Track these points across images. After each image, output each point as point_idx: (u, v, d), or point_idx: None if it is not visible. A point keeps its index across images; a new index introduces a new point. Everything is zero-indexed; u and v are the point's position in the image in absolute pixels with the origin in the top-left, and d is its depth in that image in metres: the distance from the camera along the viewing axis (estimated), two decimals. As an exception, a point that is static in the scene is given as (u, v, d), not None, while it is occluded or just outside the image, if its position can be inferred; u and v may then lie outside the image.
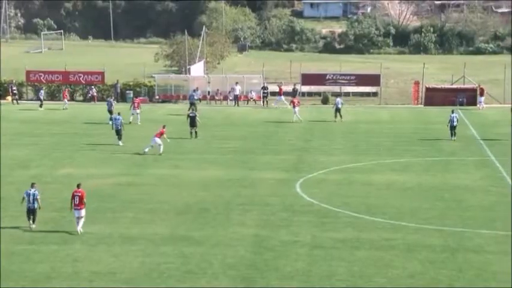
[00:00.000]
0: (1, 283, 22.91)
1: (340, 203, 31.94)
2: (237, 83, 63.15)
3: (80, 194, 27.81)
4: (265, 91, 62.72)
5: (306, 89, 66.63)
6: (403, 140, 47.20)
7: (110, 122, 47.50)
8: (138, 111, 52.41)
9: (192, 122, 46.61)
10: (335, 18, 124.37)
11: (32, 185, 28.46)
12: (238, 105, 61.89)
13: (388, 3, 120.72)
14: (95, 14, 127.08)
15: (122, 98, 63.40)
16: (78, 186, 28.23)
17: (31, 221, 28.12)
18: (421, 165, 39.72)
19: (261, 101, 63.00)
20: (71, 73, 65.26)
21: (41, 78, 64.68)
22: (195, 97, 58.33)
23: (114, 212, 30.57)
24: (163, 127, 42.74)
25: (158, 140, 41.77)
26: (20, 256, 25.17)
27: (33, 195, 28.03)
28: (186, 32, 74.48)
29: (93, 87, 63.67)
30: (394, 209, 31.17)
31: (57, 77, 64.93)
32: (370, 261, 24.82)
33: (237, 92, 62.45)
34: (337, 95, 62.28)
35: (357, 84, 66.31)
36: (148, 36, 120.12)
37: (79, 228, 27.68)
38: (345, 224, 29.09)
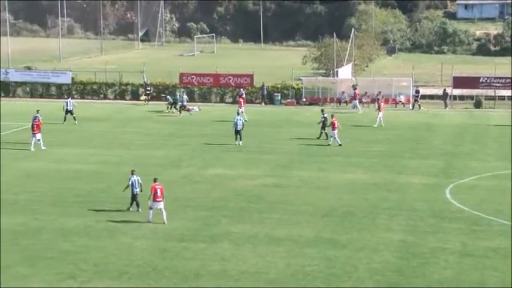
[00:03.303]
0: (154, 279, 23.70)
1: (493, 211, 30.84)
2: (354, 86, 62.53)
3: (160, 187, 29.14)
4: (417, 94, 61.53)
5: (457, 92, 64.80)
6: (561, 146, 44.95)
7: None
8: (241, 110, 52.27)
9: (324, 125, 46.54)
10: (490, 19, 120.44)
11: (132, 172, 30.54)
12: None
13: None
14: (245, 17, 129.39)
15: (269, 100, 64.17)
16: (155, 180, 29.52)
17: (136, 206, 30.15)
18: None
19: (410, 104, 61.95)
20: (221, 75, 66.70)
21: (193, 80, 66.47)
22: (342, 100, 58.52)
23: (261, 212, 30.95)
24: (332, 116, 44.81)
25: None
26: (170, 253, 25.96)
27: (137, 181, 30.19)
28: (334, 35, 74.36)
29: (242, 89, 64.79)
30: (550, 218, 29.76)
31: (208, 80, 66.54)
32: (523, 272, 23.83)
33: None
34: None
35: (513, 87, 63.68)
36: (297, 39, 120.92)
37: (164, 219, 28.96)
38: (498, 232, 28.06)
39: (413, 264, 24.84)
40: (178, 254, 25.79)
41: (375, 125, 51.92)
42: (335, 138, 44.92)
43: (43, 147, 43.24)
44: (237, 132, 45.04)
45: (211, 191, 34.39)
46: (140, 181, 30.48)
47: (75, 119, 52.59)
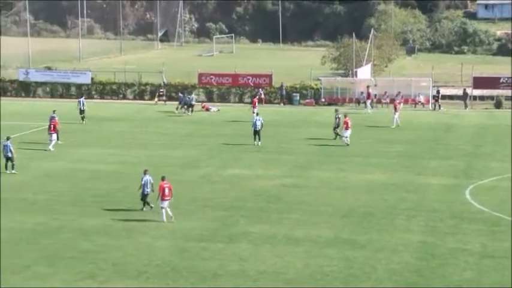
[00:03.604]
0: (172, 279, 23.73)
1: (512, 212, 30.61)
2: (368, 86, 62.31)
3: (168, 186, 29.34)
4: (437, 94, 61.23)
5: (477, 92, 64.40)
6: None
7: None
8: (255, 110, 52.18)
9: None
10: (511, 19, 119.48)
11: (145, 172, 30.70)
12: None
13: None
14: (264, 17, 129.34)
15: (288, 100, 64.11)
16: (163, 178, 29.65)
17: (146, 204, 30.38)
18: None
19: (429, 105, 61.67)
20: (240, 76, 66.70)
21: (212, 80, 66.52)
22: (361, 100, 58.66)
23: (279, 212, 30.91)
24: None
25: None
26: (189, 253, 26.00)
27: (149, 181, 30.40)
28: (353, 35, 74.15)
29: (261, 89, 64.77)
30: None
31: (227, 80, 66.57)
32: (544, 274, 23.62)
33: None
34: None
35: (534, 88, 63.19)
36: (316, 39, 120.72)
37: (171, 217, 29.18)
38: (517, 233, 27.84)
39: (432, 265, 24.71)
40: (197, 254, 25.82)
41: (393, 126, 51.72)
42: (346, 137, 44.69)
43: (51, 148, 43.15)
44: (256, 132, 45.03)
45: (229, 191, 34.40)
46: (152, 181, 30.57)
47: (83, 119, 52.89)
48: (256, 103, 54.66)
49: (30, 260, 25.21)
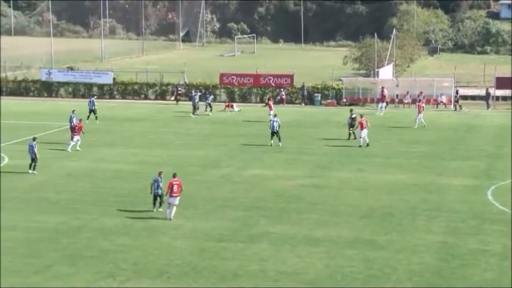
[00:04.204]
0: (193, 279, 23.80)
1: (535, 213, 30.38)
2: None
3: (177, 183, 29.45)
4: (456, 95, 60.93)
5: (500, 92, 63.98)
6: None
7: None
8: (271, 112, 52.06)
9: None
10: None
11: (159, 174, 30.53)
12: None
13: None
14: (286, 17, 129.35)
15: (309, 100, 64.06)
16: (174, 175, 29.84)
17: (158, 205, 30.31)
18: None
19: (452, 105, 61.36)
20: (262, 76, 66.74)
21: (233, 81, 66.63)
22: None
23: (299, 213, 30.91)
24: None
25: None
26: (209, 253, 26.05)
27: (159, 181, 30.17)
28: (375, 35, 73.93)
29: (282, 89, 64.77)
30: None
31: (249, 80, 66.63)
32: None
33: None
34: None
35: (557, 87, 62.65)
36: (338, 39, 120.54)
37: (172, 215, 29.35)
38: (539, 235, 27.62)
39: (453, 265, 24.60)
40: (217, 254, 25.87)
41: (415, 127, 51.49)
42: (364, 138, 44.59)
43: (69, 150, 43.31)
44: (274, 133, 44.98)
45: (250, 191, 34.44)
46: (161, 182, 30.27)
47: (96, 118, 53.24)
48: (272, 105, 54.57)
49: (52, 259, 25.40)
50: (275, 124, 44.97)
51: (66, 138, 45.19)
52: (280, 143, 44.84)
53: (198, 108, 57.61)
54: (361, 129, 44.72)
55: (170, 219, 29.42)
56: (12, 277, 23.69)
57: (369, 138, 44.92)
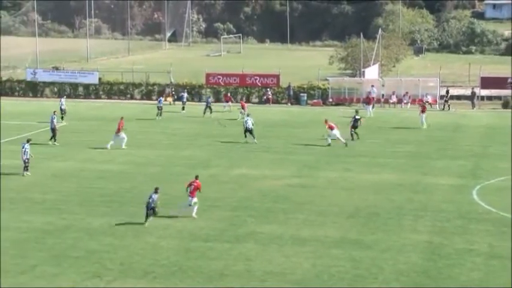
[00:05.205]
0: (179, 279, 23.75)
1: (520, 212, 30.52)
2: (372, 85, 62.28)
3: (195, 184, 29.88)
4: (447, 94, 61.11)
5: (485, 92, 64.30)
6: None
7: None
8: (245, 112, 52.29)
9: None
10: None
11: (156, 190, 29.11)
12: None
13: None
14: (272, 17, 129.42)
15: (295, 100, 64.10)
16: (197, 177, 30.40)
17: (150, 218, 29.17)
18: None
19: (437, 105, 61.57)
20: (248, 76, 66.74)
21: (220, 80, 66.59)
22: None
23: (286, 213, 30.91)
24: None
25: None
26: (195, 253, 26.00)
27: (153, 197, 28.92)
28: (361, 35, 74.10)
29: (268, 89, 64.78)
30: None
31: (235, 80, 66.62)
32: (551, 275, 23.55)
33: (373, 95, 61.19)
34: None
35: (541, 88, 63.02)
36: (324, 39, 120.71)
37: (193, 213, 29.75)
38: (525, 234, 27.76)
39: (439, 265, 24.67)
40: (204, 254, 25.83)
41: (424, 127, 51.45)
42: (338, 137, 44.58)
43: (107, 147, 43.59)
44: (248, 130, 45.48)
45: (237, 191, 34.43)
46: (156, 200, 29.08)
47: (62, 118, 52.83)
48: (245, 105, 55.18)
49: (38, 259, 25.28)
50: (249, 122, 45.41)
51: (48, 138, 44.96)
52: (255, 140, 44.96)
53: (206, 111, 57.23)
54: (331, 129, 44.64)
55: (194, 218, 29.66)
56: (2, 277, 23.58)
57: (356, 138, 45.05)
